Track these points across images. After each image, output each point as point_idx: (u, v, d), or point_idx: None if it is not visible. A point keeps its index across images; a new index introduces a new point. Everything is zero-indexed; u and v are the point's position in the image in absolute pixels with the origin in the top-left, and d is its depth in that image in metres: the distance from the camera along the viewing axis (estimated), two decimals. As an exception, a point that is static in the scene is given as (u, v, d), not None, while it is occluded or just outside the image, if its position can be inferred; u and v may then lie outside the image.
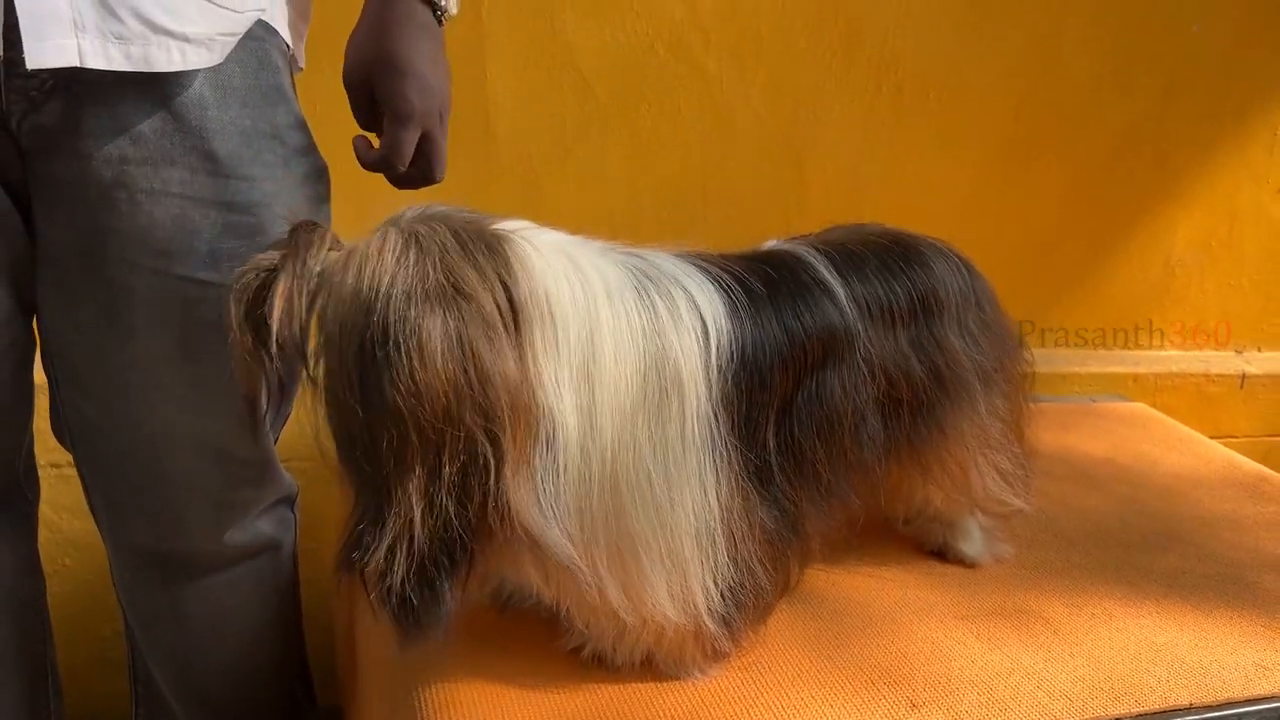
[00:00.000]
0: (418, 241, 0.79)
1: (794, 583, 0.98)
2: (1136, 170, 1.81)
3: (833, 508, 0.98)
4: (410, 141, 0.94)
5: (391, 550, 0.76)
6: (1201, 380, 1.91)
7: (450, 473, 0.77)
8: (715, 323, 0.89)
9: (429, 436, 0.76)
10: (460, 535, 0.78)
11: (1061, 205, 1.79)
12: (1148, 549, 1.23)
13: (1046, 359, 1.83)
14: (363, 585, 0.78)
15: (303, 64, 0.99)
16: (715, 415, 0.87)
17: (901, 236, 1.10)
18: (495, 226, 0.83)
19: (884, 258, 1.05)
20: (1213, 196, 1.88)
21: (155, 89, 0.82)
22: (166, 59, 0.79)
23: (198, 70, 0.84)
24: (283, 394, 1.07)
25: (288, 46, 0.93)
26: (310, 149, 0.96)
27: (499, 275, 0.80)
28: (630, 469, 0.84)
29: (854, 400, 0.97)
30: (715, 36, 1.57)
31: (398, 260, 0.78)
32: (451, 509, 0.77)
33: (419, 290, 0.77)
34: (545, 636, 0.97)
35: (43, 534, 1.08)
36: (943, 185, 1.74)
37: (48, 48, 0.74)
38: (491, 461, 0.78)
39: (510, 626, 1.00)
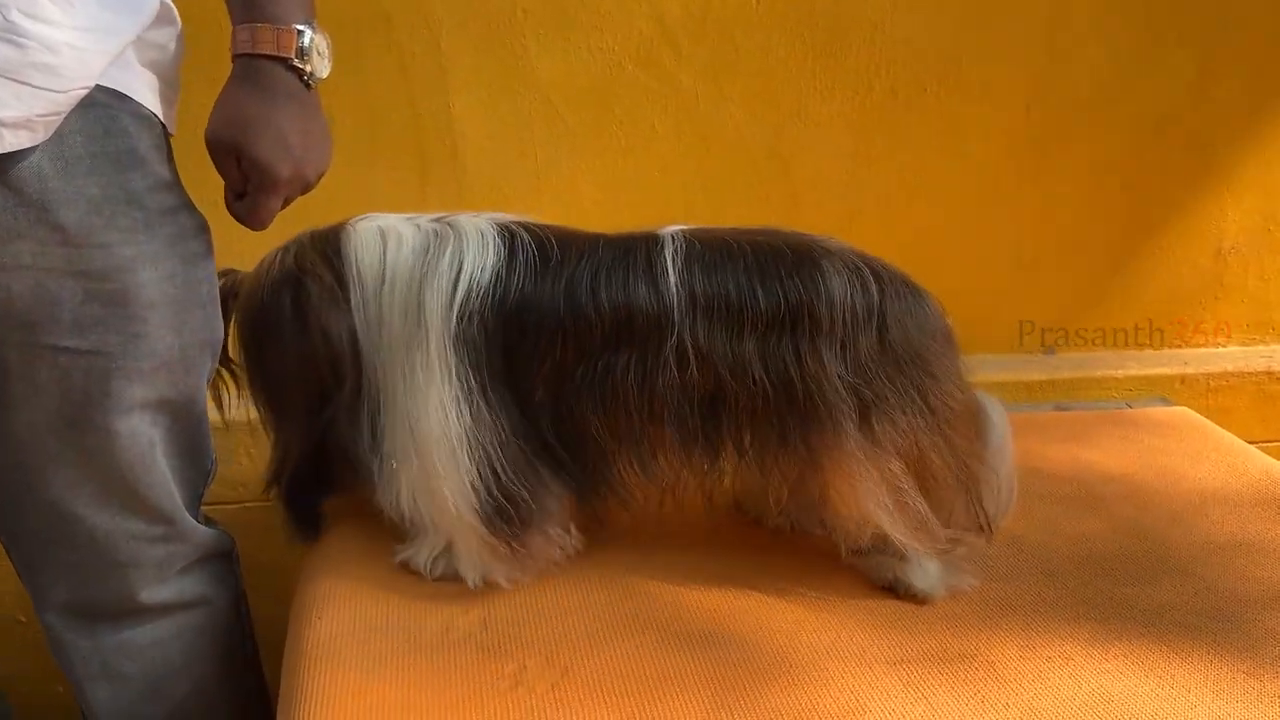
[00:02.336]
0: (284, 249, 1.08)
1: (567, 517, 1.08)
2: (1171, 156, 1.66)
3: (625, 477, 1.05)
4: (273, 210, 0.96)
5: (280, 470, 1.10)
6: (1263, 378, 1.73)
7: (309, 414, 1.07)
8: (472, 275, 1.02)
9: (295, 386, 1.07)
10: (320, 464, 1.09)
11: (1084, 199, 1.66)
12: (1138, 580, 1.12)
13: (1077, 363, 1.72)
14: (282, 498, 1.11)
15: (173, 129, 0.98)
16: (457, 351, 1.01)
17: (806, 246, 1.04)
18: (350, 220, 1.08)
19: (763, 260, 1.02)
20: (1268, 177, 1.71)
21: None
22: None
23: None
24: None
25: (149, 111, 0.92)
26: (178, 209, 0.96)
27: (328, 254, 1.06)
28: (395, 394, 1.04)
29: (652, 386, 1.00)
30: (687, 48, 1.52)
31: (271, 262, 1.07)
32: (314, 443, 1.07)
33: (278, 276, 1.06)
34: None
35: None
36: (948, 186, 1.63)
37: None
38: (331, 405, 1.06)
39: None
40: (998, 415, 1.15)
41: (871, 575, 1.10)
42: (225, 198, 0.98)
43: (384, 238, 1.06)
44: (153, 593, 1.06)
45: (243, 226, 0.98)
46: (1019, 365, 1.70)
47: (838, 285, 1.01)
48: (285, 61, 0.93)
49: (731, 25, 1.51)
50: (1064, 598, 1.08)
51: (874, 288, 1.03)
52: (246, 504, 1.58)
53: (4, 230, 0.85)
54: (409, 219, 1.08)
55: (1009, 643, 1.00)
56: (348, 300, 1.04)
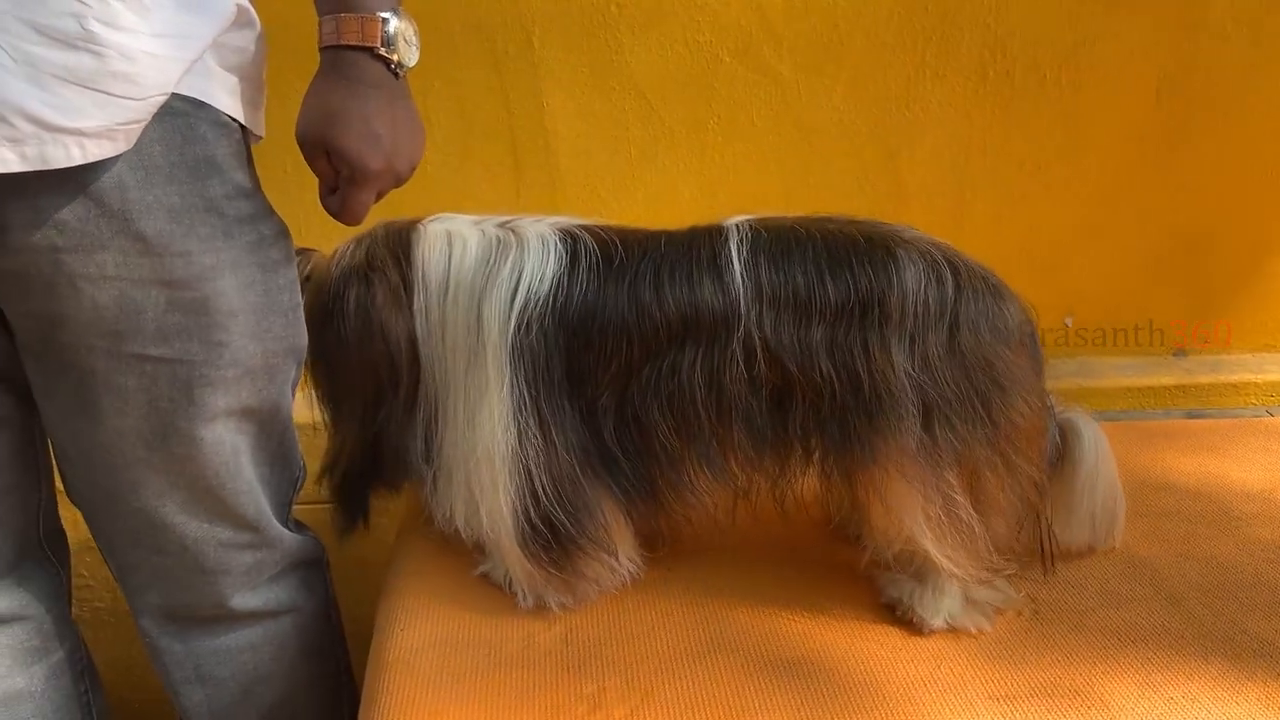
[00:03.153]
0: (359, 240, 1.06)
1: (626, 536, 1.05)
2: (1317, 144, 1.53)
3: (695, 481, 1.01)
4: (366, 204, 0.93)
5: (335, 464, 1.09)
6: None
7: (364, 412, 1.06)
8: (531, 285, 1.00)
9: (353, 382, 1.06)
10: (371, 462, 1.07)
11: (1219, 192, 1.54)
12: (1276, 613, 1.02)
13: (1211, 366, 1.59)
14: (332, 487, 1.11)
15: (260, 131, 0.98)
16: (513, 362, 0.99)
17: (881, 235, 0.99)
18: (422, 221, 1.07)
19: (833, 248, 0.98)
20: None
21: (71, 178, 0.82)
22: (65, 155, 0.79)
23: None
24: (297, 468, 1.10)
25: (228, 118, 0.92)
26: (257, 216, 0.95)
27: (398, 254, 1.04)
28: (452, 408, 1.03)
29: (720, 383, 0.97)
30: (789, 39, 1.46)
31: (344, 253, 1.06)
32: (367, 442, 1.06)
33: (348, 268, 1.05)
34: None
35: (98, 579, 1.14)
36: (1067, 179, 1.53)
37: None
38: (383, 403, 1.05)
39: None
40: (1091, 435, 1.07)
41: (880, 590, 1.05)
42: (319, 193, 0.96)
43: (450, 243, 1.04)
44: (243, 599, 1.07)
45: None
46: (1146, 369, 1.60)
47: (911, 276, 0.96)
48: (371, 50, 0.90)
49: (835, 11, 1.45)
50: (1190, 629, 1.00)
51: (950, 283, 0.97)
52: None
53: (88, 241, 0.85)
54: (476, 222, 1.06)
55: (1126, 679, 0.93)
56: (411, 304, 1.03)
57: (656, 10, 1.43)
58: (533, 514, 1.00)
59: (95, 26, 0.76)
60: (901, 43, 1.47)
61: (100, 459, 0.95)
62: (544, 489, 0.99)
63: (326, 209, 0.97)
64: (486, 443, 1.00)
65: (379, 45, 0.90)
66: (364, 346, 1.03)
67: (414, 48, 0.94)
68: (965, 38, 1.47)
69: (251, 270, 0.94)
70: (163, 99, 0.83)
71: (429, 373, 1.04)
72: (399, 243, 1.05)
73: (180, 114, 0.87)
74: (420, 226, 1.06)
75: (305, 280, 1.07)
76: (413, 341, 1.03)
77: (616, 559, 1.05)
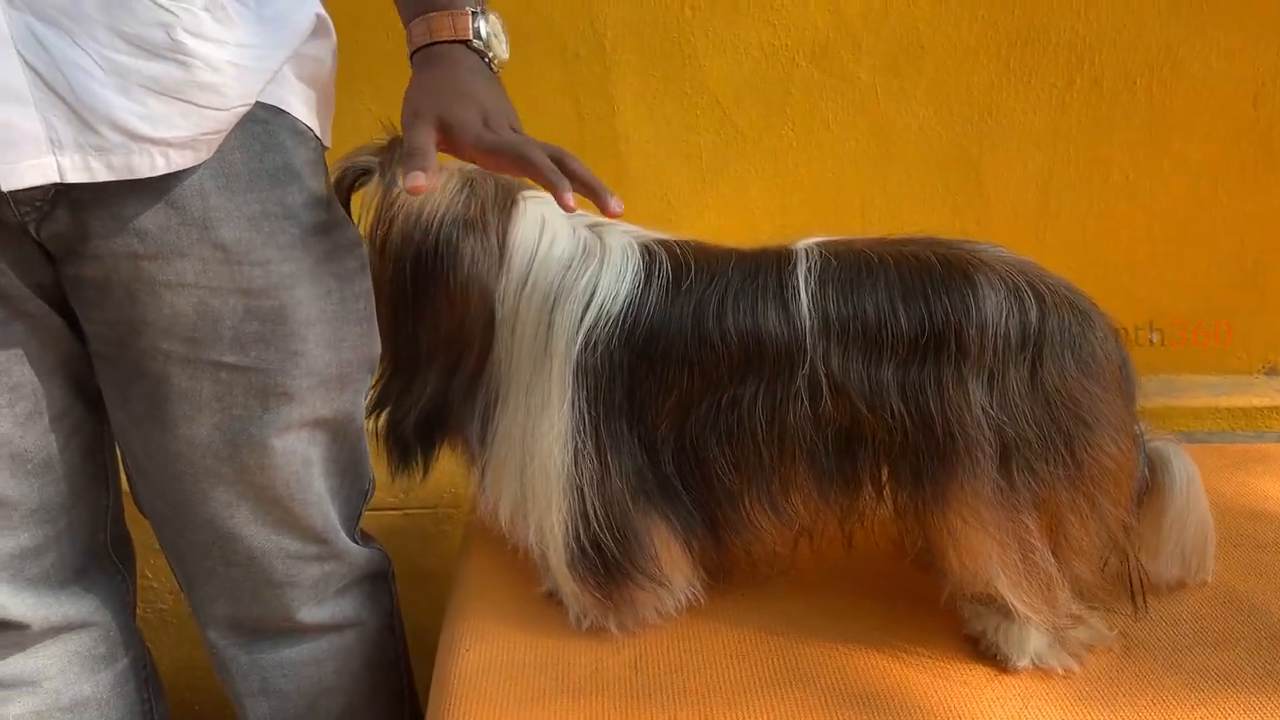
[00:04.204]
0: (471, 185, 0.99)
1: (682, 567, 1.01)
2: None
3: (754, 519, 0.97)
4: (512, 137, 0.89)
5: (410, 409, 1.01)
6: None
7: (452, 365, 1.00)
8: (604, 303, 0.96)
9: (448, 334, 0.99)
10: (442, 413, 1.02)
11: (1320, 202, 1.47)
12: (1387, 655, 0.97)
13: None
14: (383, 428, 1.03)
15: (329, 143, 0.96)
16: (577, 380, 0.96)
17: (959, 258, 0.93)
18: (521, 190, 1.02)
19: (907, 276, 0.92)
20: None
21: (153, 186, 0.82)
22: (150, 165, 0.79)
23: None
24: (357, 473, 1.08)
25: (304, 126, 0.91)
26: (333, 224, 0.94)
27: (502, 220, 0.99)
28: (512, 403, 1.00)
29: (782, 420, 0.93)
30: (867, 42, 1.41)
31: (453, 196, 0.98)
32: (444, 393, 1.01)
33: (462, 219, 0.97)
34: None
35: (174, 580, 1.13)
36: (1158, 190, 1.47)
37: (24, 169, 0.74)
38: (461, 365, 1.00)
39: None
40: (1181, 468, 1.01)
41: (964, 622, 1.00)
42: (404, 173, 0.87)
43: (542, 232, 1.00)
44: (310, 612, 1.06)
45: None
46: (1236, 388, 1.53)
47: (991, 306, 0.90)
48: (466, 43, 0.92)
49: (916, 14, 1.40)
50: (1295, 674, 0.94)
51: (1034, 311, 0.91)
52: (408, 510, 1.59)
53: (168, 248, 0.85)
54: (570, 217, 1.02)
55: (1229, 727, 0.88)
56: (497, 279, 0.99)
57: (732, 13, 1.39)
58: (582, 536, 0.97)
59: (183, 36, 0.75)
60: (985, 47, 1.42)
61: (170, 468, 0.95)
62: (595, 512, 0.96)
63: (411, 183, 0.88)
64: (544, 456, 0.98)
65: (471, 38, 0.91)
66: (460, 303, 0.98)
67: (504, 43, 0.95)
68: (1052, 42, 1.41)
69: (328, 279, 0.93)
70: (246, 109, 0.82)
71: (496, 356, 1.00)
72: (503, 207, 1.00)
73: (260, 121, 0.86)
74: (522, 199, 1.01)
75: (389, 201, 0.99)
76: (490, 318, 0.99)
77: (669, 589, 1.01)
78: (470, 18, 0.91)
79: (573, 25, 1.40)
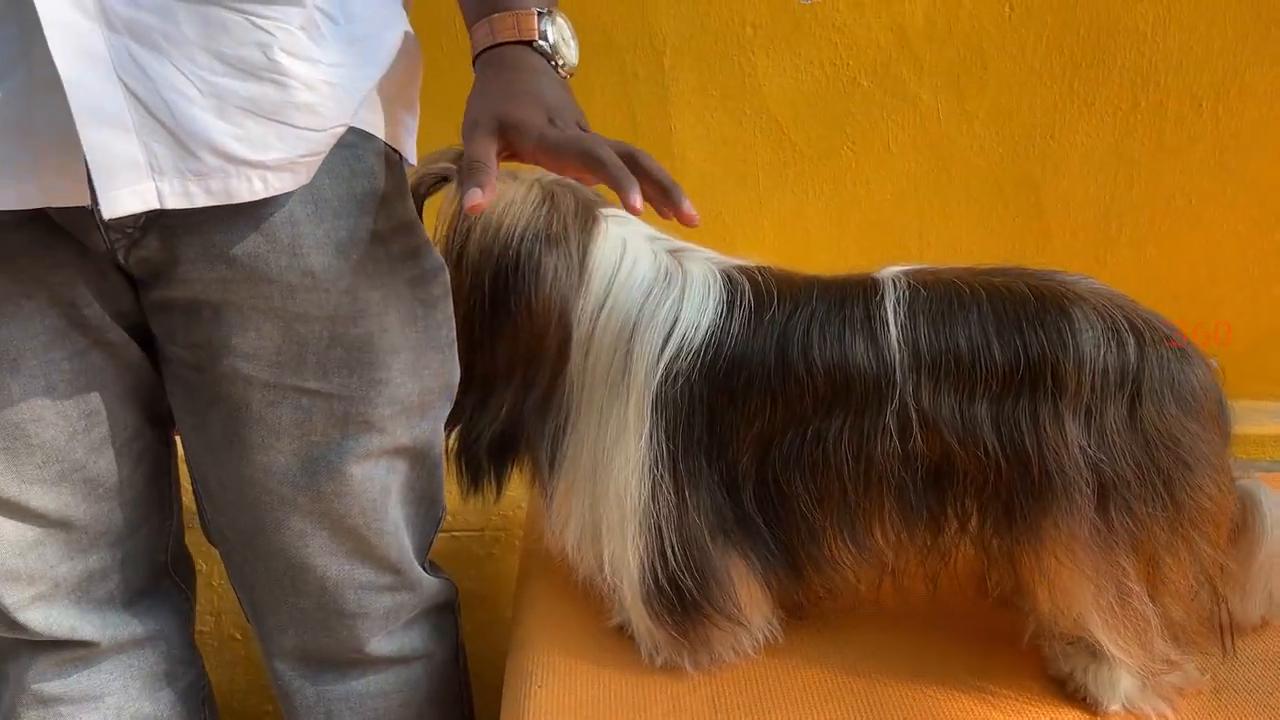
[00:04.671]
0: (552, 198, 0.97)
1: (761, 607, 0.98)
2: None
3: (837, 556, 0.94)
4: (578, 135, 0.82)
5: (484, 428, 0.99)
6: None
7: (528, 383, 0.98)
8: (686, 331, 0.93)
9: (526, 351, 0.96)
10: (516, 432, 1.00)
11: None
12: None
13: None
14: (454, 447, 1.02)
15: (413, 160, 0.94)
16: (656, 412, 0.93)
17: (1053, 291, 0.91)
18: (601, 207, 1.00)
19: (1000, 309, 0.89)
20: None
21: (244, 211, 0.80)
22: (249, 189, 0.76)
23: None
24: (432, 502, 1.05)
25: (390, 148, 0.89)
26: (419, 250, 0.92)
27: (583, 237, 0.96)
28: (585, 428, 0.97)
29: (869, 455, 0.90)
30: (929, 62, 1.39)
31: (534, 209, 0.96)
32: (519, 412, 0.99)
33: (544, 234, 0.95)
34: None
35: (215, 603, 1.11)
36: (1221, 215, 1.45)
37: (123, 195, 0.72)
38: (536, 384, 0.98)
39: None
40: (1272, 509, 0.98)
41: (1050, 661, 0.97)
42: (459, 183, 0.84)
43: (623, 254, 0.97)
44: (380, 644, 1.03)
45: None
46: (1300, 416, 1.51)
47: (1089, 340, 0.88)
48: (531, 44, 0.86)
49: (980, 35, 1.38)
50: (1394, 721, 0.92)
51: (1132, 347, 0.88)
52: (454, 533, 1.56)
53: (257, 275, 0.83)
54: (651, 239, 1.00)
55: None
56: (576, 297, 0.96)
57: (793, 31, 1.37)
58: (659, 573, 0.95)
59: (280, 56, 0.73)
60: (1049, 69, 1.39)
61: (245, 495, 0.93)
62: (673, 549, 0.94)
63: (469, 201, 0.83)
64: (619, 489, 0.95)
65: (537, 38, 0.86)
66: (541, 320, 0.95)
67: (573, 45, 0.90)
68: (1117, 65, 1.39)
69: (413, 306, 0.91)
70: (342, 130, 0.80)
71: (570, 379, 0.98)
72: (584, 223, 0.97)
73: (348, 146, 0.84)
74: (602, 216, 0.98)
75: (462, 219, 0.97)
76: (566, 336, 0.97)
77: (747, 629, 0.99)
78: (536, 18, 0.86)
79: (632, 44, 1.38)
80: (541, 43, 0.86)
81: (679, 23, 1.37)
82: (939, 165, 1.44)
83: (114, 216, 0.72)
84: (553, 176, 0.98)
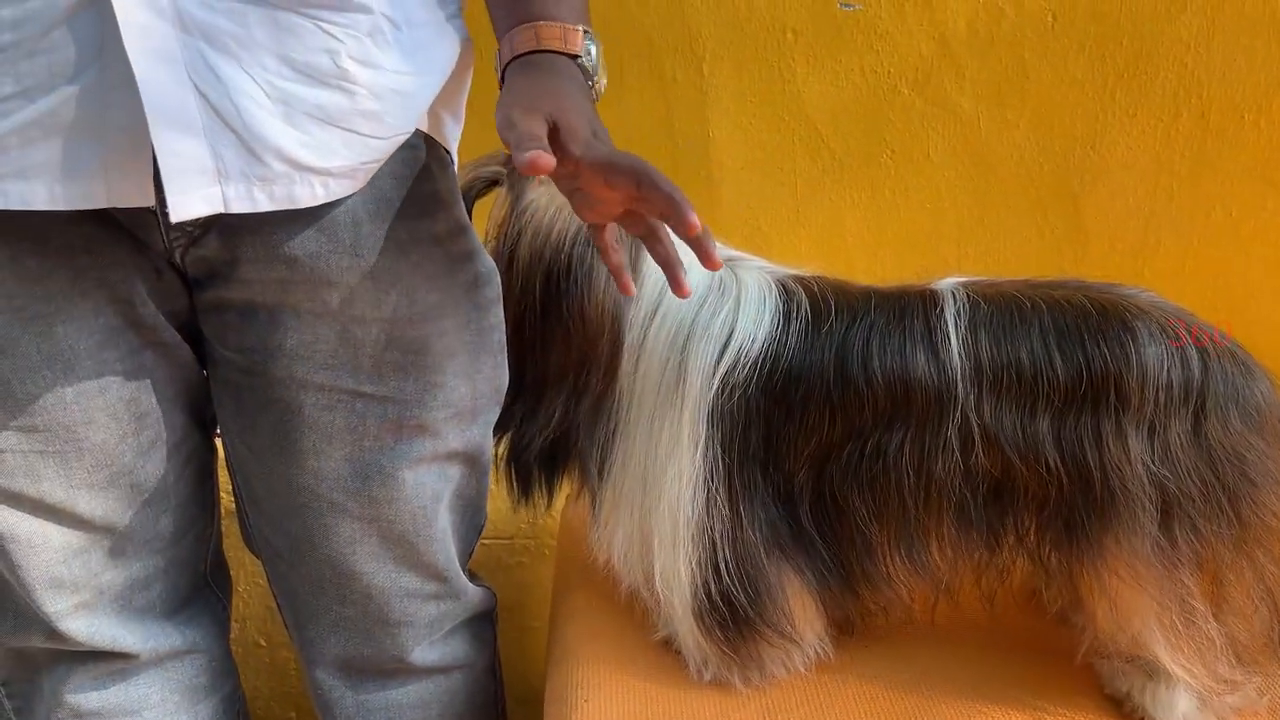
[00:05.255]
0: None
1: (814, 623, 0.97)
2: None
3: (892, 572, 0.93)
4: (617, 154, 0.76)
5: (535, 435, 0.98)
6: None
7: (579, 390, 0.97)
8: (742, 342, 0.92)
9: (578, 357, 0.95)
10: (567, 440, 0.98)
11: None
12: None
13: None
14: (504, 455, 1.01)
15: (456, 164, 0.93)
16: (711, 424, 0.92)
17: (1115, 304, 0.90)
18: None
19: (1061, 322, 0.88)
20: None
21: (307, 212, 0.79)
22: (310, 194, 0.75)
23: None
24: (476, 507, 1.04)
25: (445, 151, 0.88)
26: (474, 253, 0.91)
27: (635, 245, 0.94)
28: (636, 438, 0.96)
29: (930, 470, 0.89)
30: (971, 70, 1.38)
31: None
32: (569, 419, 0.97)
33: (584, 234, 0.93)
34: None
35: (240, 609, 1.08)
36: (1261, 229, 1.43)
37: (192, 199, 0.71)
38: (588, 390, 0.97)
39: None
40: None
41: (1105, 679, 0.96)
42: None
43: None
44: (423, 653, 1.02)
45: None
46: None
47: (1152, 355, 0.87)
48: (575, 58, 0.82)
49: (1022, 44, 1.36)
50: None
51: (1195, 361, 0.88)
52: (485, 541, 1.54)
53: (317, 275, 0.82)
54: None
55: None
56: (628, 303, 0.96)
57: (835, 38, 1.36)
58: (713, 589, 0.94)
59: (348, 63, 0.72)
60: (1091, 79, 1.38)
61: (293, 501, 0.91)
62: (727, 565, 0.93)
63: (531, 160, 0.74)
64: (672, 501, 0.94)
65: (581, 55, 0.82)
66: (594, 325, 0.95)
67: (603, 76, 0.86)
68: (1160, 76, 1.38)
69: (468, 309, 0.90)
70: (405, 137, 0.79)
71: (621, 388, 0.97)
72: None
73: (411, 147, 0.83)
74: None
75: (527, 208, 0.95)
76: (618, 345, 0.96)
77: (800, 646, 0.97)
78: (583, 35, 0.83)
79: (671, 48, 1.36)
80: (585, 59, 0.83)
81: (719, 27, 1.35)
82: (979, 175, 1.42)
83: (182, 219, 0.71)
84: None
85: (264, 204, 0.73)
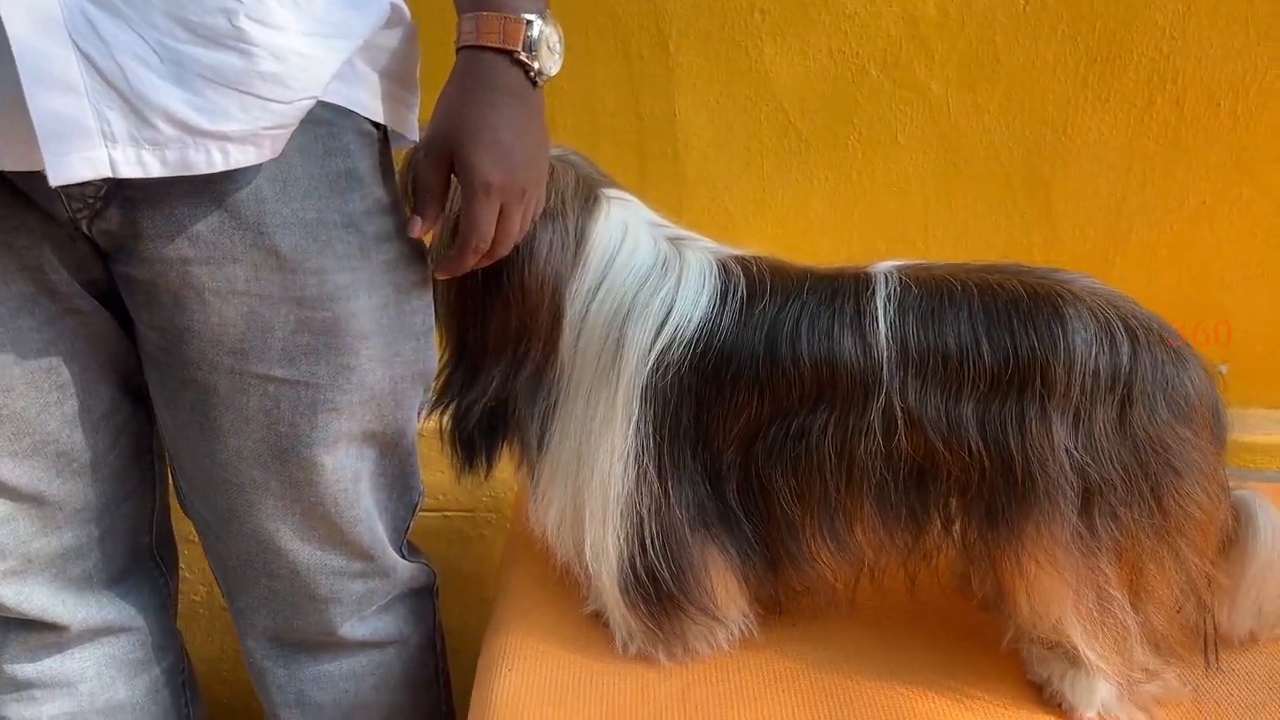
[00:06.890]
0: (551, 174, 0.93)
1: (738, 601, 0.98)
2: None
3: (815, 553, 0.94)
4: (489, 217, 0.84)
5: (473, 405, 0.98)
6: None
7: (519, 360, 0.97)
8: (679, 321, 0.92)
9: (517, 326, 0.96)
10: (507, 410, 0.99)
11: None
12: None
13: None
14: (448, 424, 1.00)
15: (413, 135, 0.92)
16: (645, 401, 0.93)
17: (1047, 289, 0.89)
18: (602, 186, 0.99)
19: (991, 307, 0.88)
20: None
21: (209, 187, 0.79)
22: (206, 160, 0.74)
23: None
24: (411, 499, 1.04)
25: (371, 125, 0.87)
26: (395, 234, 0.90)
27: (582, 214, 0.95)
28: (572, 412, 0.97)
29: (852, 453, 0.89)
30: (941, 53, 1.36)
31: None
32: (509, 389, 0.98)
33: (540, 210, 0.92)
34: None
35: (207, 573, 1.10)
36: (1235, 217, 1.41)
37: (73, 161, 0.70)
38: (527, 361, 0.97)
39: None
40: (1268, 522, 0.96)
41: (1028, 665, 0.96)
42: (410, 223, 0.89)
43: (624, 238, 0.96)
44: (352, 629, 1.03)
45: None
46: (1310, 425, 1.47)
47: (1080, 341, 0.86)
48: (511, 54, 0.82)
49: (993, 27, 1.35)
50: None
51: (1125, 349, 0.87)
52: (447, 513, 1.56)
53: (220, 253, 0.81)
54: (652, 225, 1.00)
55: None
56: (571, 275, 0.95)
57: (802, 18, 1.35)
58: (639, 564, 0.94)
59: (246, 24, 0.71)
60: (1063, 63, 1.36)
61: (217, 476, 0.92)
62: (653, 540, 0.94)
63: (441, 260, 0.90)
64: (603, 476, 0.95)
65: (519, 49, 0.82)
66: (534, 295, 0.95)
67: (556, 56, 0.86)
68: (1133, 61, 1.36)
69: (386, 291, 0.89)
70: (310, 103, 0.78)
71: (561, 360, 0.97)
72: (585, 202, 0.96)
73: (323, 123, 0.82)
74: (605, 199, 0.97)
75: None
76: (559, 315, 0.96)
77: (723, 623, 0.98)
78: (524, 26, 0.81)
79: (638, 26, 1.36)
80: (522, 54, 0.82)
81: (685, 5, 1.35)
82: (947, 158, 1.41)
83: (62, 183, 0.70)
84: (556, 151, 0.97)
85: (155, 169, 0.73)
